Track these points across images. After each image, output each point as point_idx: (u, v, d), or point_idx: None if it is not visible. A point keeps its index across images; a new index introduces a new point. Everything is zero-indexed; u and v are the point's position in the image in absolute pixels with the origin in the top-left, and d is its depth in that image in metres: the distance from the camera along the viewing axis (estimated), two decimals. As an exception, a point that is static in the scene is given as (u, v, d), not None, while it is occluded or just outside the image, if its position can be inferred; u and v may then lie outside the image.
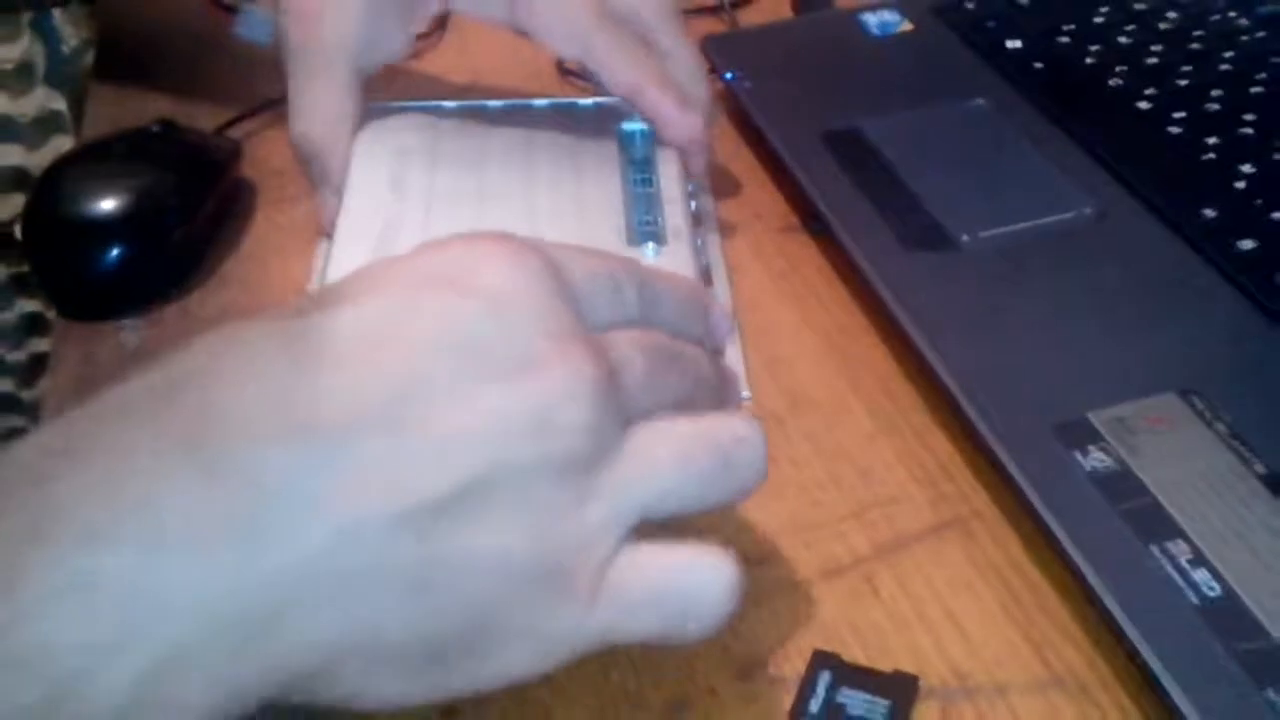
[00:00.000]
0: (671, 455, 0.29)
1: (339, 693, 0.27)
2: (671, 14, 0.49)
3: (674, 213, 0.45)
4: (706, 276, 0.46)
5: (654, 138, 0.48)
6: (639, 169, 0.47)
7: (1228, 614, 0.32)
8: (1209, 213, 0.45)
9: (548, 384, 0.27)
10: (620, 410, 0.29)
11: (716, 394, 0.34)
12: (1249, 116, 0.50)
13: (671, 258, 0.43)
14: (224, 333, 0.27)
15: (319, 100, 0.47)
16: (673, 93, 0.47)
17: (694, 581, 0.29)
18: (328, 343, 0.27)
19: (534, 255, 0.30)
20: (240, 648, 0.25)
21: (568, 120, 0.49)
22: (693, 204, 0.47)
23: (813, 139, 0.51)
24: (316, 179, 0.47)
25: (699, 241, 0.46)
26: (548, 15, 0.46)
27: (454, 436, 0.26)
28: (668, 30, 0.48)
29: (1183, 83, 0.53)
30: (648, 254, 0.43)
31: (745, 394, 0.42)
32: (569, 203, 0.45)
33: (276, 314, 0.28)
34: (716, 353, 0.36)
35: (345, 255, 0.42)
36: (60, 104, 0.69)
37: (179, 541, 0.24)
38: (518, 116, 0.50)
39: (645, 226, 0.44)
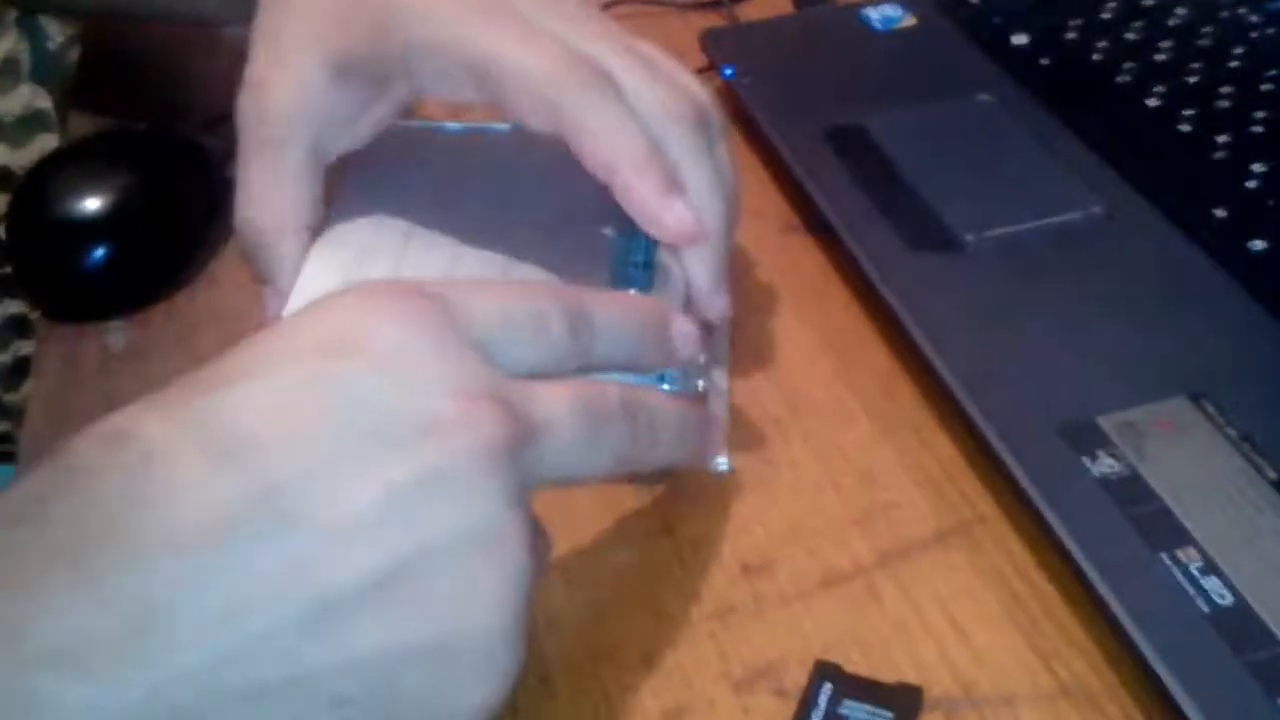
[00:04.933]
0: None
1: None
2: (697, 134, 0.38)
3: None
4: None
5: None
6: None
7: (1239, 622, 0.31)
8: (1219, 212, 0.45)
9: (449, 449, 0.26)
10: (531, 474, 0.28)
11: (683, 443, 0.33)
12: (1260, 114, 0.50)
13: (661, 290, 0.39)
14: (111, 426, 0.26)
15: (268, 183, 0.39)
16: (655, 175, 0.36)
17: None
18: (214, 435, 0.25)
19: (427, 305, 0.28)
20: None
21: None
22: None
23: (814, 136, 0.51)
24: (262, 273, 0.40)
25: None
26: (513, 82, 0.36)
27: (354, 524, 0.25)
28: (688, 150, 0.38)
29: (1192, 80, 0.52)
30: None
31: (723, 462, 0.39)
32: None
33: (167, 399, 0.26)
34: (697, 397, 0.34)
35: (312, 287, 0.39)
36: (45, 102, 0.69)
37: (53, 661, 0.23)
38: (501, 143, 0.44)
39: (630, 270, 0.40)
